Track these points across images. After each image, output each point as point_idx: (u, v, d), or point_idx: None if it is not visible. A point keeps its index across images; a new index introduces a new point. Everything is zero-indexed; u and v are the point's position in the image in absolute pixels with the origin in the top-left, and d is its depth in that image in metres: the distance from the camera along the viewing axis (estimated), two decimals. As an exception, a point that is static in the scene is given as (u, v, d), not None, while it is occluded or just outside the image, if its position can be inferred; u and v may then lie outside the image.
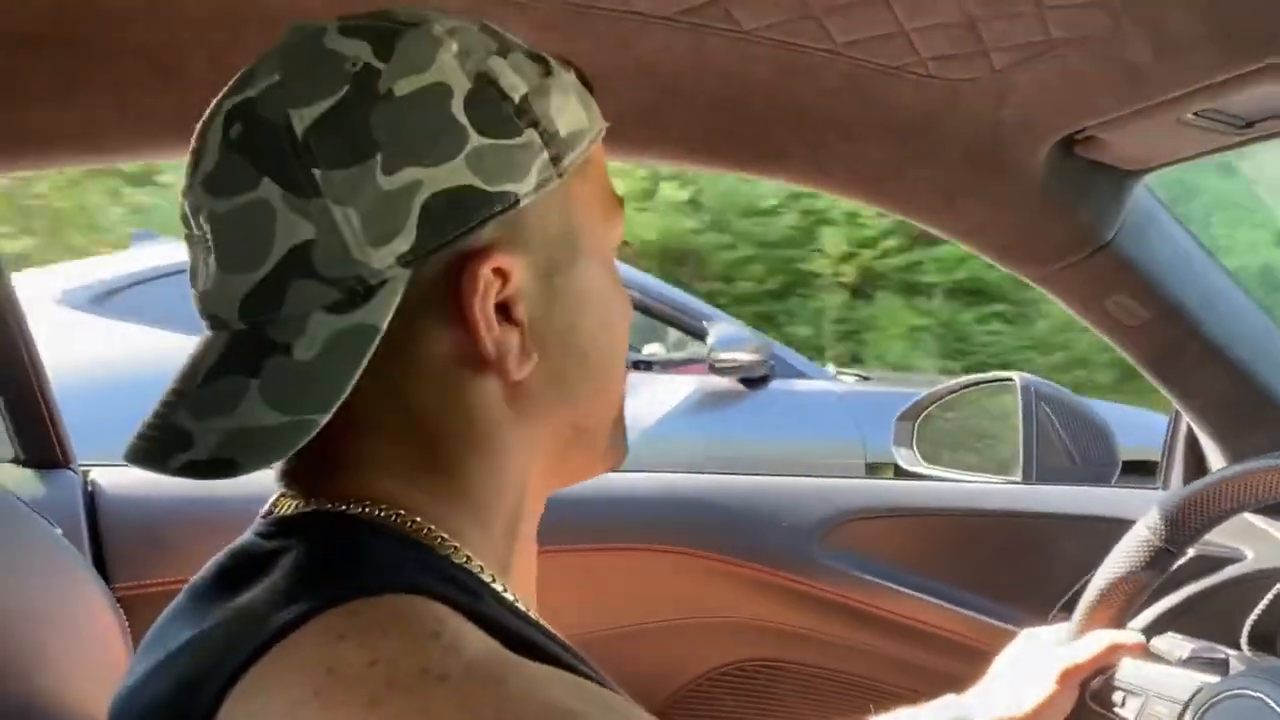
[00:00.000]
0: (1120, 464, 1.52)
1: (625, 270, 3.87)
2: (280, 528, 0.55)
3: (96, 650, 0.85)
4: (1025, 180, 1.00)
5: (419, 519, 0.54)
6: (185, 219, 0.53)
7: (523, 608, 0.56)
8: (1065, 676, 0.93)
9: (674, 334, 3.90)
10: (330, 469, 0.55)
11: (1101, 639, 0.96)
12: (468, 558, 0.54)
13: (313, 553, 0.52)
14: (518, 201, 0.52)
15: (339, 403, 0.49)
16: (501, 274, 0.53)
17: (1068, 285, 1.12)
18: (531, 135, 0.53)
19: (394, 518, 0.53)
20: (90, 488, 1.09)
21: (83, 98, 0.81)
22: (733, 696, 1.30)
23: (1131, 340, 1.16)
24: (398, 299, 0.50)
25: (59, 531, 0.92)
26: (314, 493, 0.55)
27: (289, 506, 0.55)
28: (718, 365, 3.30)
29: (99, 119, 0.83)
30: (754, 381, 3.34)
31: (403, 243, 0.50)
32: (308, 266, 0.50)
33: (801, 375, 3.48)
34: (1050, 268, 1.09)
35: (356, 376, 0.49)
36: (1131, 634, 0.99)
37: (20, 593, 0.80)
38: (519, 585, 0.58)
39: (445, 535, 0.54)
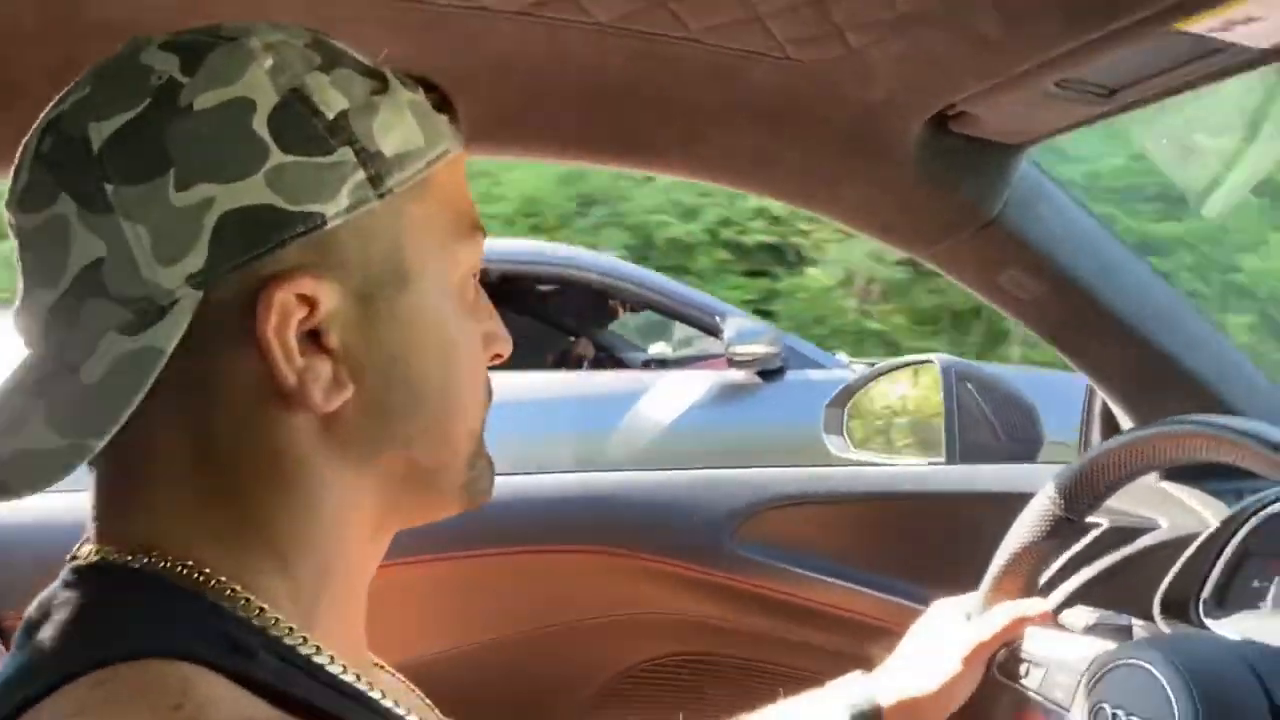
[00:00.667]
0: (1044, 439, 1.52)
1: (634, 269, 3.77)
2: (71, 574, 0.53)
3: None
4: (900, 159, 0.99)
5: (208, 570, 0.51)
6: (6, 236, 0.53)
7: (322, 661, 0.52)
8: (973, 654, 0.93)
9: (680, 331, 3.95)
10: (125, 509, 0.53)
11: (1007, 611, 0.96)
12: (260, 610, 0.51)
13: (81, 608, 0.50)
14: (324, 222, 0.50)
15: (115, 427, 0.47)
16: (307, 300, 0.50)
17: (958, 262, 1.12)
18: (345, 153, 0.51)
19: (180, 569, 0.50)
20: None
21: None
22: (656, 692, 1.29)
23: (1029, 314, 1.16)
24: (187, 321, 0.48)
25: None
26: (107, 536, 0.53)
27: (88, 552, 0.53)
28: (736, 359, 3.33)
29: (5, 144, 0.82)
30: (770, 374, 3.37)
31: (194, 262, 0.48)
32: (100, 286, 0.48)
33: (816, 365, 3.52)
34: (938, 246, 1.09)
35: (137, 400, 0.47)
36: (1037, 604, 0.99)
37: None
38: (335, 634, 0.55)
39: (237, 587, 0.51)
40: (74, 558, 0.54)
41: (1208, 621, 1.09)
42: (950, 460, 1.47)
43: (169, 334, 0.48)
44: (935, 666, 0.92)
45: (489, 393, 0.60)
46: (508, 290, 3.57)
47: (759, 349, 3.32)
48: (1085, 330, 1.17)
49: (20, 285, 0.51)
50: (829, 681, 0.94)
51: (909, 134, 0.97)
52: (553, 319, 4.20)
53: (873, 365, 3.93)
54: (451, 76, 0.88)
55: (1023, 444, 1.53)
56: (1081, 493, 0.99)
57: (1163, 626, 1.09)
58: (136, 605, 0.50)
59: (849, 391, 1.68)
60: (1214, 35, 0.77)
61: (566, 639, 1.26)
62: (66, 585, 0.53)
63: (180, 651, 0.47)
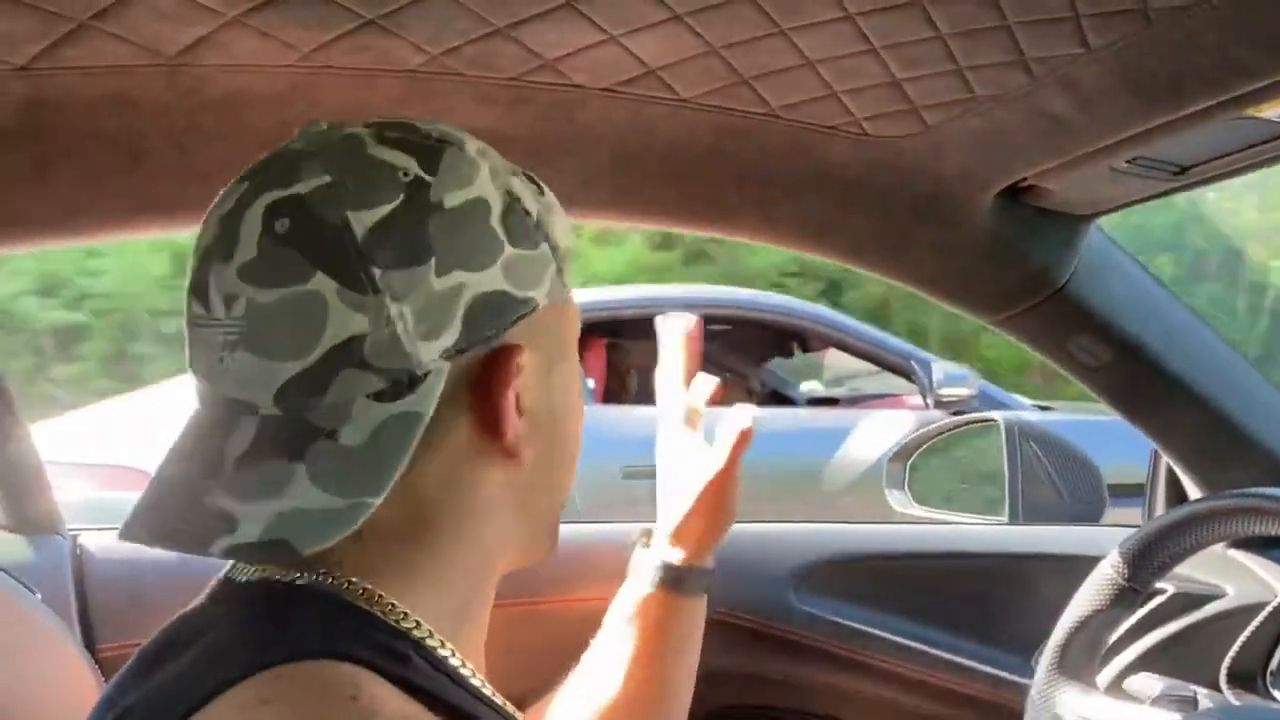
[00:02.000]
0: (1107, 500, 1.52)
1: (827, 313, 4.04)
2: (226, 593, 0.58)
3: (72, 713, 0.88)
4: (971, 229, 1.02)
5: (368, 586, 0.56)
6: (198, 297, 0.55)
7: (465, 673, 0.59)
8: (714, 482, 0.90)
9: (830, 370, 4.27)
10: None
11: (728, 431, 0.91)
12: (417, 623, 0.57)
13: (245, 619, 0.55)
14: (538, 305, 0.59)
15: (389, 486, 0.53)
16: (520, 369, 0.58)
17: (1027, 329, 1.13)
18: (545, 249, 0.60)
19: (343, 584, 0.56)
20: (79, 552, 1.13)
21: (55, 184, 0.86)
22: (714, 745, 1.30)
23: (1097, 381, 1.17)
24: (440, 388, 0.55)
25: (38, 596, 0.95)
26: (283, 562, 0.57)
27: (242, 571, 0.58)
28: (942, 400, 3.61)
29: (71, 203, 0.88)
30: (963, 414, 3.59)
31: (449, 338, 0.55)
32: (358, 357, 0.53)
33: (1003, 406, 3.68)
34: (1007, 313, 1.11)
35: (407, 459, 0.53)
36: (742, 415, 0.92)
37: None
38: (472, 648, 0.62)
39: (394, 602, 0.57)
40: (228, 579, 0.59)
41: (1276, 693, 1.09)
42: (1013, 520, 1.48)
43: (429, 400, 0.55)
44: (680, 499, 0.92)
45: None
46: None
47: (962, 391, 3.59)
48: (1153, 397, 1.17)
49: (226, 351, 0.54)
50: None
51: (980, 205, 1.00)
52: (715, 359, 4.36)
53: (1046, 408, 4.06)
54: (541, 146, 0.94)
55: (1086, 505, 1.52)
56: (1146, 562, 0.99)
57: (1230, 697, 1.09)
58: (300, 614, 0.54)
59: (912, 447, 1.69)
60: (1285, 121, 0.79)
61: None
62: (225, 600, 0.57)
63: (345, 654, 0.52)
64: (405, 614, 0.57)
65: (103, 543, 1.14)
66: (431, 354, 0.55)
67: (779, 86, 0.86)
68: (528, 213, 0.59)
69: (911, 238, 1.04)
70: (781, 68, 0.83)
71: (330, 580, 0.56)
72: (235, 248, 0.54)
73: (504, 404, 0.58)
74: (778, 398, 4.36)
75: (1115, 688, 1.09)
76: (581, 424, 0.67)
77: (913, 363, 3.75)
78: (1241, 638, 1.13)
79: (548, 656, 1.25)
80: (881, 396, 4.04)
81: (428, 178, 0.56)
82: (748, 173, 0.97)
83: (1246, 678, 1.13)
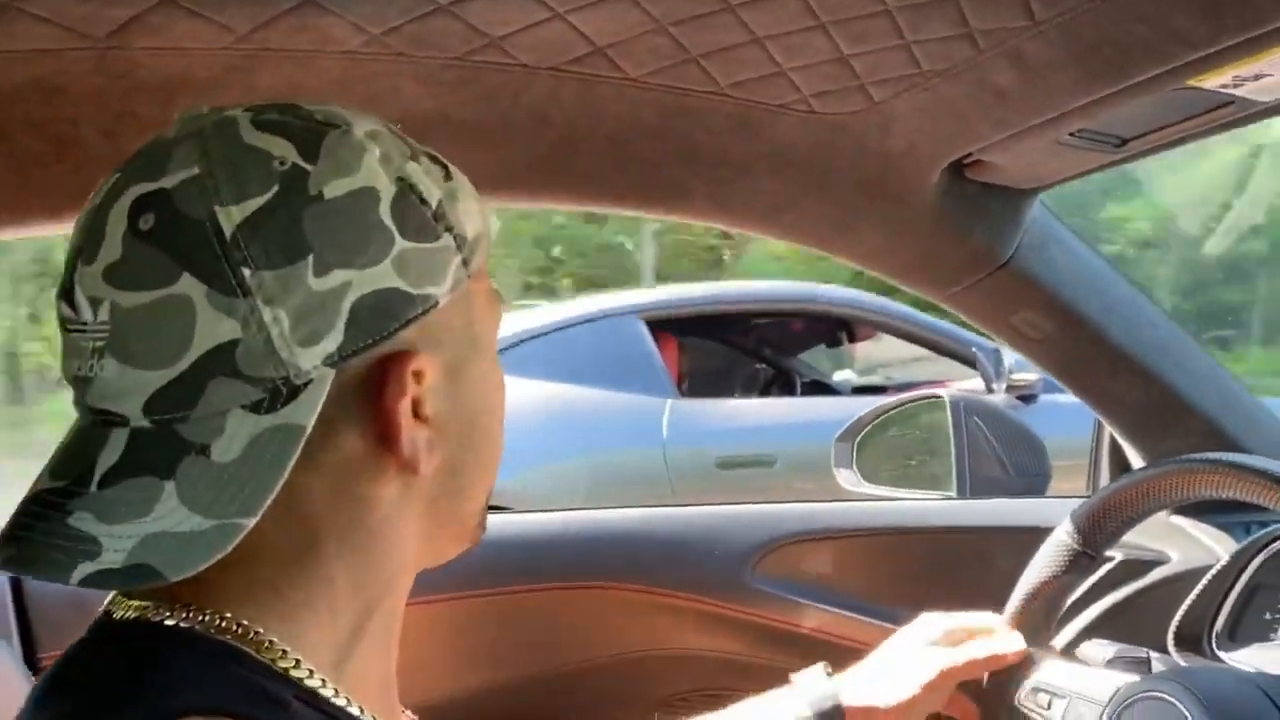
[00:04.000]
0: (1051, 474, 1.55)
1: (886, 303, 4.23)
2: (106, 633, 0.54)
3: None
4: (918, 206, 1.02)
5: (246, 622, 0.53)
6: (72, 305, 0.51)
7: (348, 702, 0.55)
8: (937, 679, 0.93)
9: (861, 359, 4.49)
10: None
11: (985, 647, 0.96)
12: (296, 661, 0.54)
13: (120, 670, 0.51)
14: (437, 303, 0.54)
15: (266, 504, 0.49)
16: (418, 375, 0.54)
17: (972, 304, 1.14)
18: (447, 239, 0.55)
19: (217, 623, 0.52)
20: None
21: None
22: (676, 729, 1.30)
23: (1040, 353, 1.19)
24: (322, 398, 0.51)
25: None
26: (154, 592, 0.53)
27: (121, 606, 0.54)
28: (1012, 385, 3.83)
29: (2, 195, 0.85)
30: (1028, 398, 3.85)
31: (331, 343, 0.51)
32: (230, 365, 0.49)
33: (1060, 389, 3.82)
34: (953, 288, 1.12)
35: (284, 477, 0.49)
36: (1014, 642, 0.99)
37: None
38: (359, 678, 0.58)
39: (273, 639, 0.53)
40: (108, 612, 0.55)
41: (1220, 654, 1.11)
42: (961, 495, 1.50)
43: (308, 411, 0.50)
44: (899, 682, 0.92)
45: None
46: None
47: (1031, 376, 3.79)
48: (1094, 368, 1.20)
49: (95, 358, 0.50)
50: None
51: (926, 182, 1.00)
52: (748, 349, 4.64)
53: None
54: (487, 128, 0.92)
55: (1031, 478, 1.55)
56: (1099, 528, 1.01)
57: (1178, 659, 1.11)
58: (170, 664, 0.51)
59: (859, 425, 1.71)
60: (1224, 91, 0.81)
61: (583, 677, 1.27)
62: (100, 642, 0.54)
63: (219, 709, 0.48)
64: (284, 652, 0.53)
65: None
66: (311, 361, 0.50)
67: (727, 64, 0.86)
68: (424, 201, 0.54)
69: (860, 215, 1.04)
70: (729, 45, 0.82)
71: (203, 618, 0.52)
72: (100, 247, 0.50)
73: (396, 413, 0.53)
74: (820, 387, 4.55)
75: (1068, 654, 1.10)
76: (501, 422, 0.63)
77: (975, 350, 3.91)
78: (1186, 602, 1.15)
79: (522, 646, 1.25)
80: (929, 383, 4.13)
81: (306, 166, 0.51)
82: (697, 153, 0.96)
83: (1192, 640, 1.15)
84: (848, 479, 1.68)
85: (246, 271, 0.49)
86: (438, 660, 1.20)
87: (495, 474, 0.64)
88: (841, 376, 4.62)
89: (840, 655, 1.33)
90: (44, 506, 0.50)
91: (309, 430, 0.50)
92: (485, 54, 0.83)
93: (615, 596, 1.26)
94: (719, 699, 1.32)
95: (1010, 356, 3.80)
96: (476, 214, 0.58)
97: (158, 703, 0.48)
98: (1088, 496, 1.48)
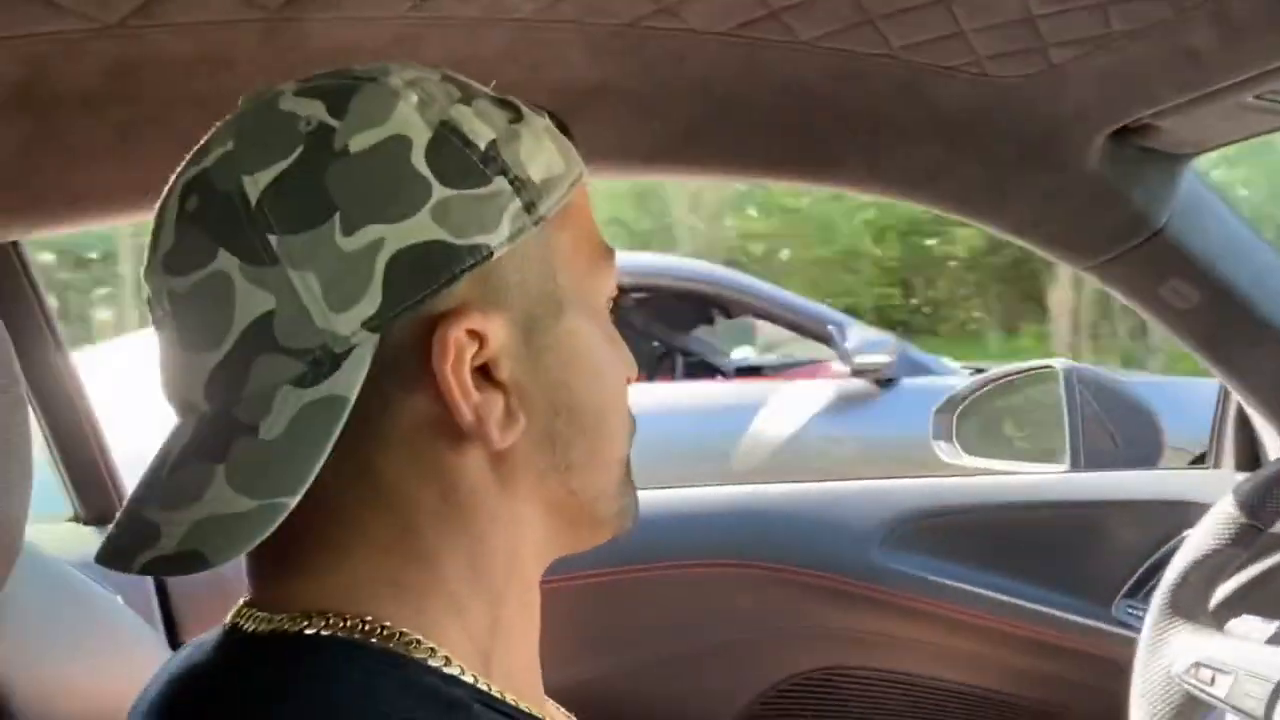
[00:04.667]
0: (1165, 446, 1.52)
1: (741, 278, 3.86)
2: (239, 650, 0.51)
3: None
4: (1078, 172, 0.99)
5: (389, 623, 0.49)
6: (149, 302, 0.51)
7: (508, 699, 0.52)
8: None
9: (762, 338, 4.07)
10: (289, 566, 0.51)
11: None
12: (445, 659, 0.50)
13: (269, 690, 0.48)
14: (491, 254, 0.49)
15: (307, 483, 0.46)
16: (477, 335, 0.49)
17: (1119, 274, 1.11)
18: (501, 183, 0.50)
19: (361, 628, 0.49)
20: None
21: (142, 153, 0.80)
22: (803, 707, 1.29)
23: (1184, 324, 1.16)
24: (367, 366, 0.47)
25: (119, 600, 0.90)
26: (276, 601, 0.50)
27: (250, 619, 0.51)
28: (858, 368, 3.40)
29: (158, 173, 0.82)
30: (886, 381, 3.44)
31: (368, 306, 0.47)
32: (271, 339, 0.47)
33: (929, 371, 3.56)
34: (1101, 257, 1.09)
35: (326, 453, 0.46)
36: None
37: (80, 663, 0.78)
38: (506, 670, 0.54)
39: (419, 638, 0.50)
40: (234, 626, 0.51)
41: None
42: (1074, 468, 1.47)
43: (351, 381, 0.47)
44: None
45: (632, 419, 0.59)
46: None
47: (881, 358, 3.38)
48: (1238, 339, 1.16)
49: (169, 351, 0.50)
50: (970, 689, 0.92)
51: (1090, 147, 0.97)
52: (640, 328, 4.21)
53: (979, 370, 4.04)
54: (645, 98, 0.90)
55: (1143, 451, 1.52)
56: (1268, 501, 0.99)
57: None
58: (335, 678, 0.47)
59: (959, 397, 1.68)
60: None
61: (714, 656, 1.26)
62: (233, 660, 0.50)
63: (397, 717, 0.46)
64: (432, 650, 0.50)
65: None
66: (350, 326, 0.47)
67: (904, 26, 0.82)
68: (469, 144, 0.49)
69: (1015, 183, 1.01)
70: (912, 5, 0.79)
71: (341, 625, 0.49)
72: (160, 237, 0.50)
73: (447, 381, 0.48)
74: (705, 367, 4.19)
75: (1219, 628, 1.08)
76: (609, 386, 0.56)
77: (831, 328, 3.52)
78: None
79: (676, 621, 1.23)
80: (805, 364, 3.86)
81: (333, 122, 0.48)
82: (856, 118, 0.93)
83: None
84: (947, 452, 1.65)
85: (273, 238, 0.47)
86: (559, 644, 1.18)
87: (618, 451, 0.58)
88: (736, 355, 4.20)
89: (964, 630, 1.32)
90: (130, 500, 0.49)
91: (351, 400, 0.47)
92: (655, 20, 0.80)
93: (740, 574, 1.24)
94: (847, 676, 1.31)
95: (857, 336, 3.44)
96: (550, 155, 0.52)
97: (340, 718, 0.45)
98: (1206, 469, 1.47)
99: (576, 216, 0.54)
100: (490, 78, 0.82)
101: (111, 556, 0.47)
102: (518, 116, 0.52)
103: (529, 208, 0.50)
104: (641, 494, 0.60)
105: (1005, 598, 1.27)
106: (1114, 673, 1.09)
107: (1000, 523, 1.33)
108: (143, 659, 0.94)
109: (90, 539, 1.06)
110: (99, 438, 1.05)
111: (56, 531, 1.10)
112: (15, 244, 1.03)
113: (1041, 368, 1.59)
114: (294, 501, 0.45)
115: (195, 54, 0.75)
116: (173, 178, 0.51)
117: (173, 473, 0.48)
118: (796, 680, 1.28)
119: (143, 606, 1.01)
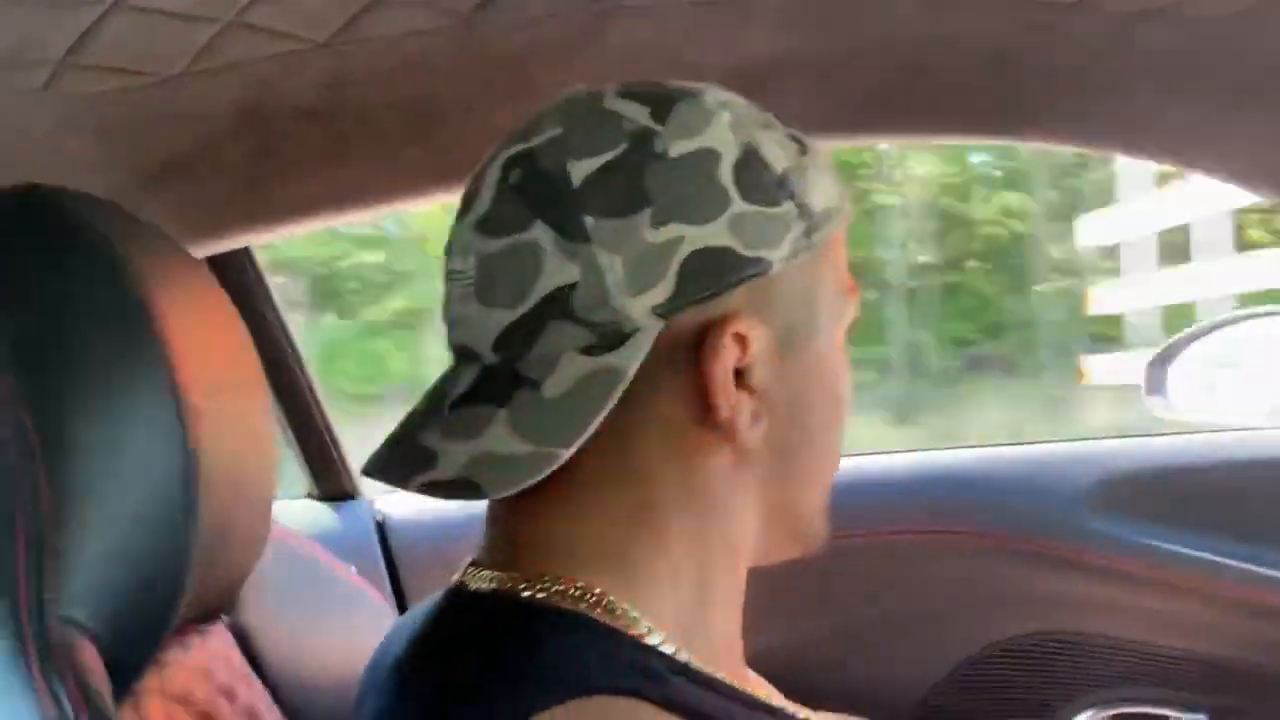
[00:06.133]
0: None
1: None
2: (466, 607, 0.56)
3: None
4: None
5: (603, 591, 0.53)
6: (449, 254, 0.57)
7: (718, 675, 0.55)
8: None
9: None
10: (527, 526, 0.56)
11: None
12: (650, 630, 0.53)
13: (496, 651, 0.52)
14: (769, 268, 0.54)
15: (582, 439, 0.50)
16: (742, 339, 0.54)
17: None
18: (789, 207, 0.55)
19: (577, 594, 0.53)
20: (379, 518, 1.16)
21: (350, 158, 0.86)
22: (1010, 674, 1.26)
23: None
24: (648, 348, 0.52)
25: (353, 569, 0.97)
26: (504, 561, 0.55)
27: (475, 578, 0.56)
28: None
29: (367, 176, 0.88)
30: None
31: (659, 295, 0.52)
32: (567, 308, 0.52)
33: None
34: None
35: (601, 416, 0.51)
36: None
37: (320, 626, 0.84)
38: (709, 646, 0.57)
39: (629, 608, 0.54)
40: (462, 583, 0.57)
41: None
42: (1302, 422, 1.36)
43: (631, 358, 0.52)
44: None
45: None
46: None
47: None
48: None
49: (462, 301, 0.55)
50: (1180, 654, 0.87)
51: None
52: None
53: None
54: (824, 66, 0.88)
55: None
56: None
57: None
58: (551, 645, 0.51)
59: (1174, 348, 1.58)
60: None
61: (915, 623, 1.25)
62: (460, 615, 0.55)
63: (610, 686, 0.49)
64: (639, 621, 0.54)
65: (399, 507, 1.17)
66: (641, 310, 0.52)
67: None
68: (768, 167, 0.55)
69: (1234, 125, 0.94)
70: (1112, -52, 0.75)
71: (559, 588, 0.53)
72: (475, 202, 0.55)
73: (713, 373, 0.54)
74: None
75: None
76: (840, 413, 0.61)
77: None
78: None
79: (881, 586, 1.23)
80: None
81: (656, 127, 0.54)
82: (1059, 73, 0.89)
83: None
84: (1162, 406, 1.56)
85: (589, 219, 0.52)
86: (764, 607, 1.20)
87: (829, 476, 0.62)
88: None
89: (1182, 595, 1.26)
90: (406, 429, 0.55)
91: (630, 375, 0.51)
92: None
93: (943, 540, 1.23)
94: (1057, 642, 1.28)
95: None
96: (829, 190, 0.58)
97: (548, 686, 0.49)
98: None
99: (837, 249, 0.60)
100: (672, 61, 0.84)
101: (383, 472, 0.54)
102: (803, 150, 0.58)
103: (808, 233, 0.56)
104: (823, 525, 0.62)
105: (1226, 560, 1.20)
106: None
107: (1218, 482, 1.25)
108: (374, 624, 1.01)
109: (325, 514, 1.15)
110: (327, 421, 1.14)
111: (293, 507, 1.20)
112: (247, 250, 1.13)
113: (1269, 311, 1.48)
114: (566, 454, 0.50)
115: (397, 64, 0.79)
116: (492, 153, 0.57)
117: (455, 408, 0.54)
118: (1002, 646, 1.25)
119: (373, 577, 1.09)
